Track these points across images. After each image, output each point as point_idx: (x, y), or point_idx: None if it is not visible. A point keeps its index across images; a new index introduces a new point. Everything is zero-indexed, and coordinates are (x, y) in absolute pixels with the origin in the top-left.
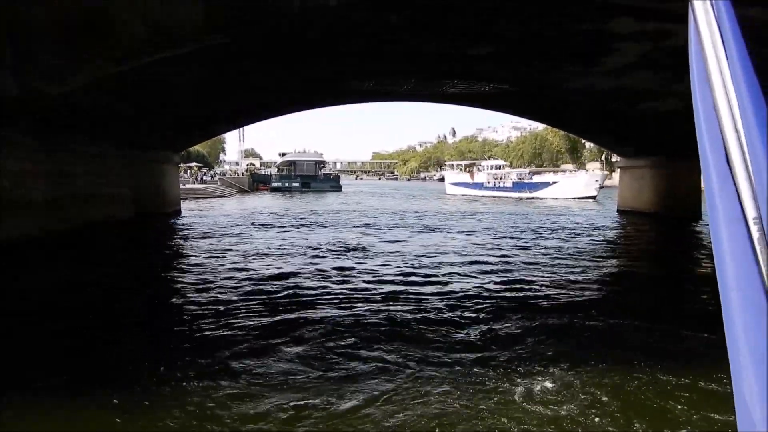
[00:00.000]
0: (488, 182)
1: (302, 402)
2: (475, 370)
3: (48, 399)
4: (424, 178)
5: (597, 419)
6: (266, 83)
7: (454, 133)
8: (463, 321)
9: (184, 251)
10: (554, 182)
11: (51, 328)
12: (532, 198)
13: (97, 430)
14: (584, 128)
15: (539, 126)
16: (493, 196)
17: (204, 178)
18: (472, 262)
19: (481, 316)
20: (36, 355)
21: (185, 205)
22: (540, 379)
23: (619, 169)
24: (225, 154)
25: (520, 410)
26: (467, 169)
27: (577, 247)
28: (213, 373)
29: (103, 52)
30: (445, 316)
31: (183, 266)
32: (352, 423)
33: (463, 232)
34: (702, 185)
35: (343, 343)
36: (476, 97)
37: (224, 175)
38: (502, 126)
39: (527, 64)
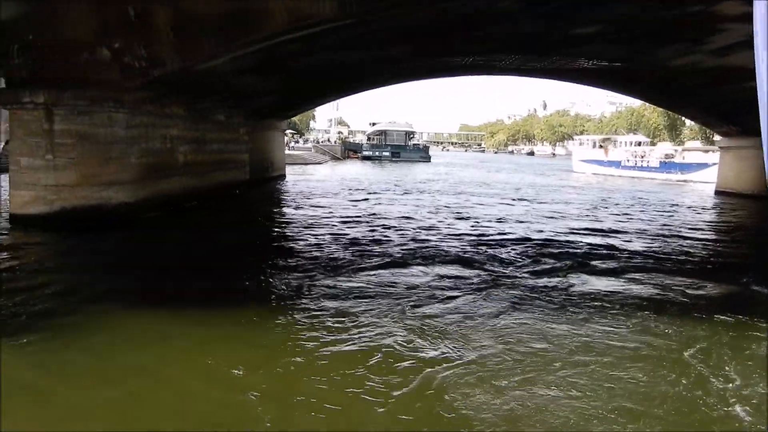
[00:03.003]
0: (627, 160)
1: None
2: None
3: (191, 309)
4: (512, 152)
5: None
6: (378, 59)
7: (545, 106)
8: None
9: (293, 209)
10: (714, 164)
11: (197, 260)
12: (684, 181)
13: (223, 332)
14: (686, 106)
15: (635, 101)
16: (633, 177)
17: (293, 144)
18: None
19: None
20: (185, 278)
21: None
22: None
23: (720, 149)
24: (315, 121)
25: None
26: (601, 145)
27: None
28: (316, 307)
29: (248, 35)
30: None
31: (294, 221)
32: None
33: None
34: None
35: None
36: (574, 72)
37: (318, 142)
38: (597, 100)
39: (632, 43)
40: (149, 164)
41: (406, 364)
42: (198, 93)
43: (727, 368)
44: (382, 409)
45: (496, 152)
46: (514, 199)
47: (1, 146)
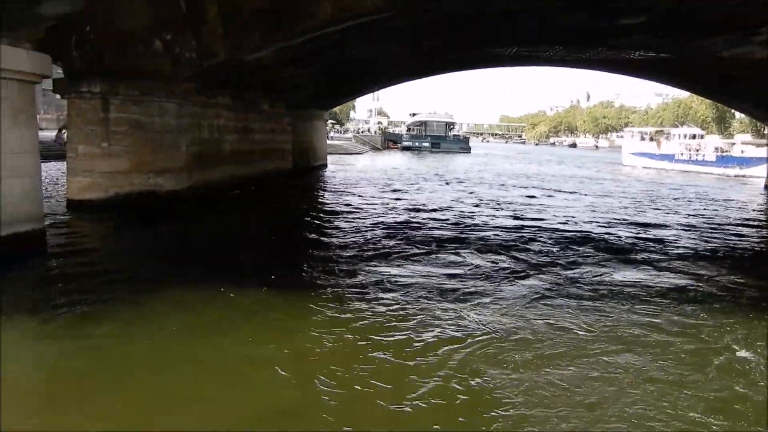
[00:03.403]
0: (680, 154)
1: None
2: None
3: (242, 291)
4: (553, 143)
5: None
6: (418, 50)
7: (588, 98)
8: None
9: (336, 198)
10: None
11: (245, 245)
12: (743, 176)
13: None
14: (736, 98)
15: (683, 93)
16: (686, 171)
17: (332, 134)
18: None
19: None
20: (234, 263)
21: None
22: None
23: None
24: (355, 111)
25: None
26: (652, 137)
27: None
28: (357, 283)
29: (294, 27)
30: None
31: (337, 209)
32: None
33: None
34: None
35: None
36: (619, 63)
37: (358, 132)
38: (642, 91)
39: (680, 33)
40: (198, 153)
41: (444, 342)
42: (244, 84)
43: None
44: (422, 380)
45: (537, 144)
46: (555, 191)
47: (55, 134)
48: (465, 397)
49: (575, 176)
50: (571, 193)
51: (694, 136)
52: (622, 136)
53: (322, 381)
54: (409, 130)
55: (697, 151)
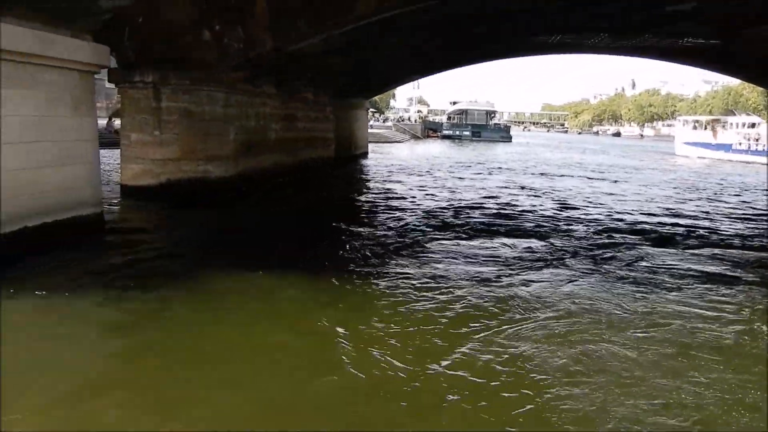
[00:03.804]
0: (738, 144)
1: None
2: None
3: (289, 272)
4: (596, 132)
5: None
6: (460, 38)
7: (633, 85)
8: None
9: (378, 185)
10: None
11: (291, 230)
12: None
13: (322, 295)
14: None
15: (733, 80)
16: (745, 162)
17: (372, 123)
18: None
19: None
20: (281, 246)
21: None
22: None
23: None
24: (395, 100)
25: None
26: (707, 126)
27: None
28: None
29: (339, 16)
30: None
31: (379, 196)
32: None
33: None
34: None
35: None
36: (667, 51)
37: (398, 121)
38: (690, 79)
39: (731, 19)
40: (244, 141)
41: (484, 320)
42: (288, 73)
43: None
44: (462, 358)
45: (579, 133)
46: (598, 180)
47: (106, 122)
48: (506, 372)
49: (620, 166)
50: (614, 182)
51: (753, 125)
52: (669, 125)
53: (375, 360)
54: (449, 118)
55: (757, 140)
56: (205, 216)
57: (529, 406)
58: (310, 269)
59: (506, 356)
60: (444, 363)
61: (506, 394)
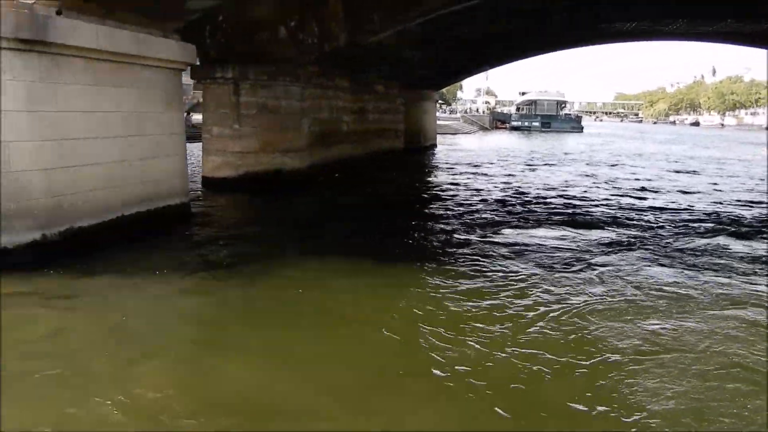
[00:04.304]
0: None
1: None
2: None
3: (362, 257)
4: (673, 122)
5: None
6: (532, 29)
7: (714, 72)
8: None
9: (447, 176)
10: None
11: (364, 218)
12: None
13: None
14: None
15: None
16: None
17: (439, 114)
18: None
19: None
20: (354, 232)
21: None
22: None
23: None
24: (462, 91)
25: None
26: None
27: None
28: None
29: (411, 9)
30: None
31: (448, 187)
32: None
33: None
34: None
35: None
36: (750, 35)
37: (465, 112)
38: None
39: None
40: (318, 133)
41: (553, 303)
42: (360, 66)
43: None
44: (535, 338)
45: (655, 122)
46: (675, 172)
47: (184, 117)
48: (583, 351)
49: (700, 157)
50: (692, 173)
51: None
52: (754, 113)
53: (447, 338)
54: (518, 109)
55: None
56: (282, 205)
57: (603, 383)
58: (384, 254)
59: (579, 335)
60: (520, 341)
61: (581, 371)
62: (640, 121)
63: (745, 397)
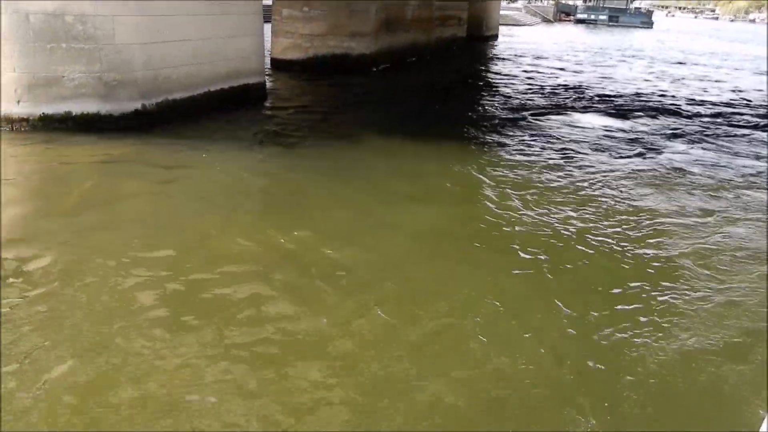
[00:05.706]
0: None
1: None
2: None
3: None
4: (753, 20)
5: None
6: None
7: None
8: None
9: (508, 66)
10: None
11: (424, 99)
12: None
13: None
14: None
15: None
16: None
17: (501, 3)
18: None
19: None
20: (414, 113)
21: None
22: None
23: None
24: None
25: None
26: None
27: None
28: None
29: None
30: None
31: (509, 74)
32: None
33: None
34: None
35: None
36: None
37: (528, 2)
38: None
39: None
40: (384, 19)
41: (609, 201)
42: None
43: None
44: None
45: (732, 20)
46: (744, 70)
47: None
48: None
49: None
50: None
51: None
52: None
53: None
54: (584, 0)
55: None
56: (349, 88)
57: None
58: (445, 133)
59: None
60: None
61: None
62: (716, 18)
63: None
